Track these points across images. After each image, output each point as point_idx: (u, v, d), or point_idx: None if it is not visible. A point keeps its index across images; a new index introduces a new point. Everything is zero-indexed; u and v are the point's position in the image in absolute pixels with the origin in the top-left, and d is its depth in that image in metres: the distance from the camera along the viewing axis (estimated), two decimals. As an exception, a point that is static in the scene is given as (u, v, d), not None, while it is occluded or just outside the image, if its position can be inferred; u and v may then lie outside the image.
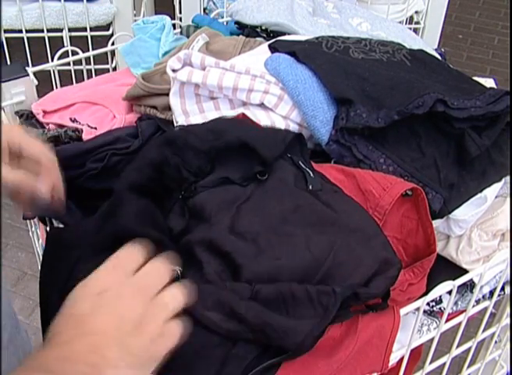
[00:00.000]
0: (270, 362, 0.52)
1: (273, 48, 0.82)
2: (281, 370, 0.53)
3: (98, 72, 1.10)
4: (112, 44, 1.00)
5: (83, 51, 0.99)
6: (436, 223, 0.71)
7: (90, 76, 1.08)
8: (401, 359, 0.67)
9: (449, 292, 0.63)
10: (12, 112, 0.85)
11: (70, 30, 1.48)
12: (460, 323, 0.72)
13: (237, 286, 0.53)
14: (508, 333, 0.90)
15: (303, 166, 0.66)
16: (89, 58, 1.11)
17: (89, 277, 0.49)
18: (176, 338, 0.48)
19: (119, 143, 0.75)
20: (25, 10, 1.45)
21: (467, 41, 2.75)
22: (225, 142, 0.63)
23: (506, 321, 0.84)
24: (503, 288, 0.78)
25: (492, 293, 0.76)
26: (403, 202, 0.68)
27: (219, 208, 0.60)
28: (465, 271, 0.73)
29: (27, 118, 0.84)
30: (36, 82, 0.86)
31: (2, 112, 0.83)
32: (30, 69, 0.86)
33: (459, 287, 0.63)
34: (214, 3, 1.51)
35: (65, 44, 1.44)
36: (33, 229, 0.96)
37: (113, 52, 1.37)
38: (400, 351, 0.65)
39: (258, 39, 0.92)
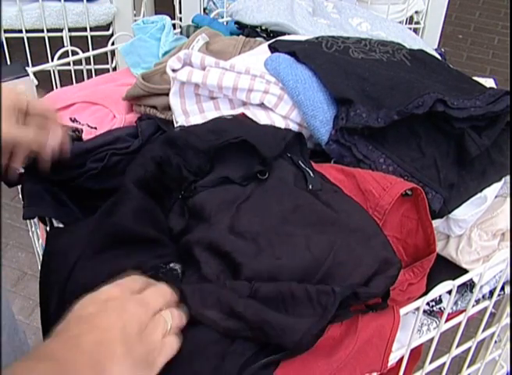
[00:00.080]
0: (268, 359, 0.52)
1: (273, 48, 0.82)
2: (281, 369, 0.53)
3: (98, 72, 1.10)
4: (112, 44, 1.00)
5: (83, 51, 0.99)
6: (436, 222, 0.71)
7: (90, 76, 1.08)
8: (401, 359, 0.67)
9: (449, 292, 0.63)
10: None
11: (70, 30, 1.48)
12: (460, 323, 0.72)
13: (236, 284, 0.54)
14: (508, 333, 0.90)
15: (303, 165, 0.66)
16: (89, 58, 1.11)
17: (96, 291, 0.51)
18: (173, 353, 0.50)
19: (119, 143, 0.75)
20: (25, 10, 1.45)
21: (467, 41, 2.75)
22: (225, 141, 0.63)
23: (506, 321, 0.84)
24: (502, 288, 0.78)
25: (492, 293, 0.76)
26: (403, 202, 0.68)
27: (219, 208, 0.60)
28: (465, 271, 0.74)
29: (27, 118, 0.84)
30: (36, 82, 0.86)
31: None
32: (30, 69, 0.86)
33: (459, 286, 0.63)
34: (214, 3, 1.51)
35: (65, 44, 1.44)
36: (33, 229, 0.95)
37: (113, 52, 1.37)
38: (399, 350, 0.65)
39: (258, 39, 0.92)
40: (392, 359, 0.65)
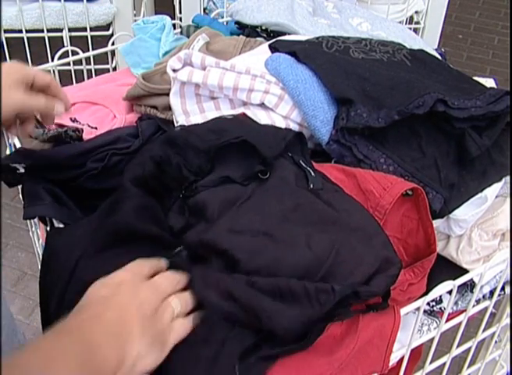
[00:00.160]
0: (268, 351, 0.53)
1: (273, 48, 0.82)
2: (281, 366, 0.53)
3: (98, 72, 1.10)
4: (112, 44, 1.00)
5: (83, 51, 0.99)
6: (436, 222, 0.71)
7: (90, 76, 1.08)
8: (401, 359, 0.67)
9: (450, 292, 0.63)
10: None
11: (70, 30, 1.48)
12: (460, 323, 0.72)
13: (235, 276, 0.54)
14: (508, 333, 0.90)
15: (304, 165, 0.66)
16: (89, 58, 1.11)
17: (106, 277, 0.53)
18: (183, 335, 0.52)
19: (119, 143, 0.75)
20: (25, 10, 1.45)
21: (467, 41, 2.75)
22: (225, 141, 0.63)
23: (506, 321, 0.84)
24: (503, 288, 0.78)
25: (492, 293, 0.76)
26: (404, 202, 0.68)
27: (220, 208, 0.60)
28: (465, 271, 0.74)
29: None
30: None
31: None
32: (31, 69, 0.86)
33: (459, 286, 0.63)
34: (214, 3, 1.51)
35: (65, 44, 1.44)
36: (33, 229, 0.95)
37: (113, 52, 1.37)
38: (400, 350, 0.65)
39: (259, 39, 0.92)
40: (393, 359, 0.65)
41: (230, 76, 0.73)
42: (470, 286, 0.75)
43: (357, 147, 0.71)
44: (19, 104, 0.66)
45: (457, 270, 0.74)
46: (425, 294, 0.62)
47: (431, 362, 0.74)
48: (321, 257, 0.55)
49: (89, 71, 1.14)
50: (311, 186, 0.64)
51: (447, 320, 0.71)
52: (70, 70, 1.18)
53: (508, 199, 0.76)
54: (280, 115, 0.75)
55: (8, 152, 0.84)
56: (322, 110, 0.73)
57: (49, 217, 0.70)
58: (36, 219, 0.79)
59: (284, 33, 0.93)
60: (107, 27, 1.54)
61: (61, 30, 1.48)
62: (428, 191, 0.69)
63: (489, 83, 0.87)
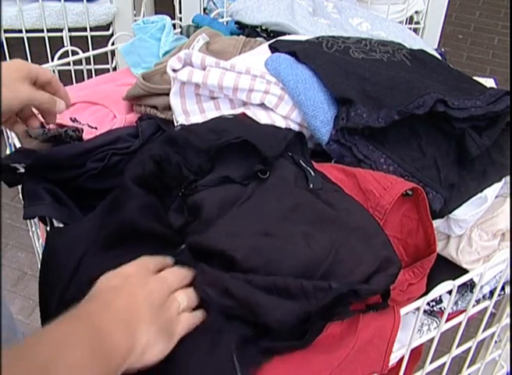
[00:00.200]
0: (266, 344, 0.54)
1: (273, 48, 0.82)
2: (281, 364, 0.53)
3: (98, 72, 1.10)
4: (112, 44, 1.00)
5: (83, 51, 0.99)
6: (436, 222, 0.71)
7: (90, 76, 1.08)
8: (401, 359, 0.67)
9: (450, 292, 0.63)
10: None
11: (70, 30, 1.48)
12: (460, 323, 0.72)
13: (234, 275, 0.55)
14: (508, 333, 0.90)
15: (303, 164, 0.66)
16: (89, 58, 1.11)
17: (114, 270, 0.54)
18: (190, 327, 0.53)
19: (119, 143, 0.75)
20: (25, 10, 1.45)
21: (467, 41, 2.75)
22: (225, 141, 0.63)
23: (506, 321, 0.84)
24: (503, 288, 0.78)
25: (492, 293, 0.76)
26: (404, 202, 0.68)
27: (219, 207, 0.60)
28: (465, 271, 0.74)
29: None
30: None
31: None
32: (31, 69, 0.86)
33: (459, 286, 0.63)
34: (214, 3, 1.51)
35: (65, 44, 1.44)
36: (33, 229, 0.96)
37: (113, 52, 1.37)
38: (400, 350, 0.65)
39: (259, 39, 0.92)
40: (393, 359, 0.65)
41: (230, 76, 0.73)
42: (470, 286, 0.75)
43: (357, 147, 0.71)
44: (27, 97, 0.69)
45: (457, 270, 0.74)
46: (425, 294, 0.62)
47: (431, 362, 0.74)
48: (321, 256, 0.55)
49: (89, 71, 1.14)
50: (311, 186, 0.64)
51: (447, 320, 0.71)
52: (70, 70, 1.18)
53: (508, 199, 0.76)
54: (280, 115, 0.75)
55: (8, 152, 0.84)
56: (322, 110, 0.73)
57: (49, 217, 0.70)
58: (36, 219, 0.79)
59: (284, 33, 0.93)
60: (107, 27, 1.54)
61: (61, 30, 1.48)
62: (428, 191, 0.69)
63: (489, 83, 0.87)
